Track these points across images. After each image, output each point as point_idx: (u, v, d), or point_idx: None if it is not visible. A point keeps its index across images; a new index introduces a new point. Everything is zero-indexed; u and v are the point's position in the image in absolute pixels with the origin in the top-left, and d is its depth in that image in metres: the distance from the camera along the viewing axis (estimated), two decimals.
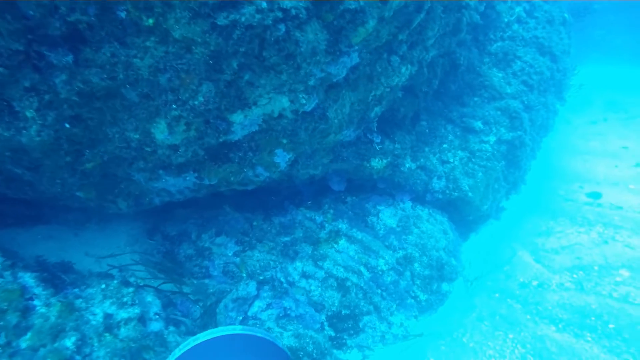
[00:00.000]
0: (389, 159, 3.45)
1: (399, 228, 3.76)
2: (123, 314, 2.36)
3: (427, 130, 4.16)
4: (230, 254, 3.72)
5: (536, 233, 5.53)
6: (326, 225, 3.55)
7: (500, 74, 4.41)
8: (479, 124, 4.21)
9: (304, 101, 2.40)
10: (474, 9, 3.43)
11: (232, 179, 2.84)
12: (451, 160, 4.09)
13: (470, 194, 4.03)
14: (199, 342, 2.06)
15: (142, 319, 2.48)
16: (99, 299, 2.42)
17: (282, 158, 2.76)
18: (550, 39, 4.54)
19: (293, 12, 1.79)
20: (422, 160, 3.94)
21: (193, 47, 1.87)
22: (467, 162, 4.12)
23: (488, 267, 4.73)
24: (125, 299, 2.48)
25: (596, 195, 6.61)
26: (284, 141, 2.65)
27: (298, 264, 3.47)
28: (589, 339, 3.60)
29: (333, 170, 3.59)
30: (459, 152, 4.15)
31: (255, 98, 2.31)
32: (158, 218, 4.15)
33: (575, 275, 4.68)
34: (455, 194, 4.02)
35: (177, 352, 2.06)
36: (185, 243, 3.88)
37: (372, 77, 2.76)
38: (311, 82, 2.31)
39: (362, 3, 1.97)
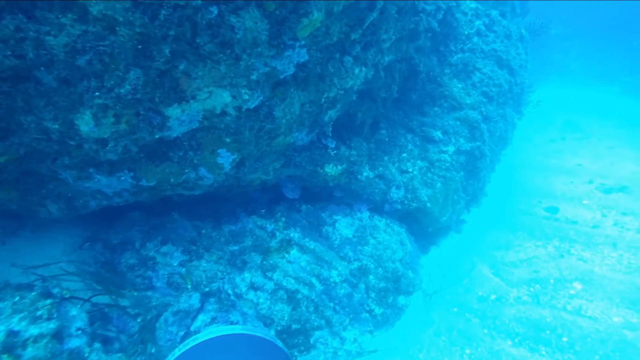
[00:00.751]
0: (344, 166, 3.33)
1: (355, 238, 3.62)
2: (33, 330, 2.07)
3: (386, 139, 4.08)
4: (175, 264, 3.47)
5: (496, 246, 5.54)
6: (277, 233, 3.37)
7: (460, 85, 4.42)
8: (438, 134, 4.17)
9: (247, 97, 2.24)
10: (432, 15, 3.41)
11: (172, 180, 2.63)
12: (410, 169, 4.02)
13: (429, 204, 3.96)
14: (198, 342, 2.07)
15: (58, 335, 2.20)
16: (7, 313, 2.13)
17: (225, 159, 2.58)
18: (508, 52, 4.61)
19: None
20: (380, 169, 3.85)
21: (117, 28, 1.69)
22: (426, 172, 4.06)
23: (448, 280, 4.65)
24: (40, 313, 2.19)
25: (554, 210, 6.75)
26: (227, 140, 2.47)
27: (246, 274, 3.25)
28: (544, 352, 3.54)
29: (286, 176, 3.43)
30: (418, 161, 4.08)
31: (194, 91, 2.13)
32: (101, 225, 3.85)
33: (532, 289, 4.67)
34: (414, 204, 3.93)
35: (177, 352, 2.07)
36: (128, 252, 3.59)
37: (323, 77, 2.64)
38: (254, 77, 2.16)
39: None
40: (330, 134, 3.24)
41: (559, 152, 9.02)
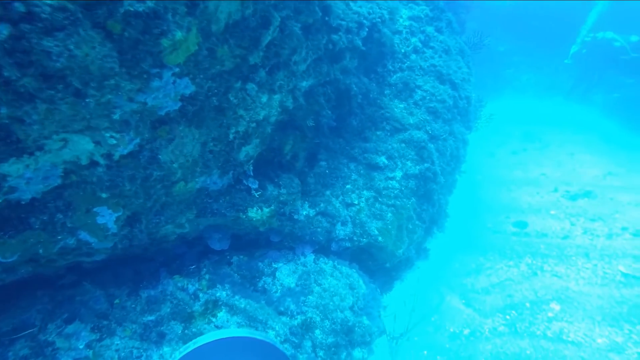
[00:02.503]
0: (272, 207, 2.90)
1: (299, 287, 3.14)
2: None
3: (327, 171, 3.69)
4: (82, 347, 2.88)
5: (465, 272, 5.15)
6: (200, 294, 2.86)
7: (402, 105, 4.13)
8: (383, 160, 3.82)
9: (115, 141, 1.81)
10: (354, 33, 3.11)
11: (42, 251, 2.12)
12: (356, 202, 3.62)
13: (380, 238, 3.54)
14: (198, 345, 2.09)
15: None
16: None
17: (108, 217, 2.10)
18: (449, 67, 4.39)
19: (22, 8, 1.23)
20: (322, 205, 3.43)
21: None
22: (373, 202, 3.67)
23: (415, 318, 4.20)
24: None
25: (522, 225, 6.48)
26: (104, 195, 2.01)
27: (166, 349, 2.71)
28: None
29: (209, 226, 2.96)
30: (364, 192, 3.70)
31: (38, 140, 1.68)
32: None
33: (507, 317, 4.26)
34: (364, 240, 3.51)
35: (177, 355, 2.11)
36: (21, 340, 2.96)
37: (223, 109, 2.24)
38: (116, 116, 1.73)
39: (151, 4, 1.47)
40: (252, 174, 2.82)
41: (522, 164, 8.91)
